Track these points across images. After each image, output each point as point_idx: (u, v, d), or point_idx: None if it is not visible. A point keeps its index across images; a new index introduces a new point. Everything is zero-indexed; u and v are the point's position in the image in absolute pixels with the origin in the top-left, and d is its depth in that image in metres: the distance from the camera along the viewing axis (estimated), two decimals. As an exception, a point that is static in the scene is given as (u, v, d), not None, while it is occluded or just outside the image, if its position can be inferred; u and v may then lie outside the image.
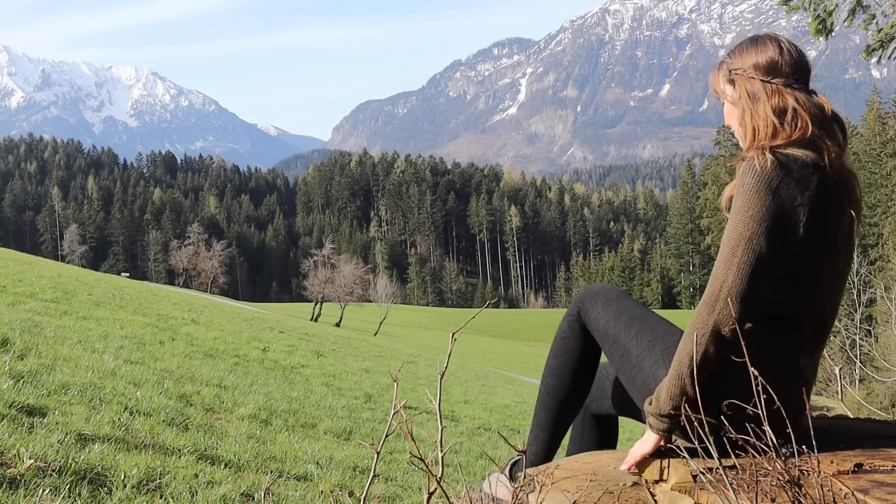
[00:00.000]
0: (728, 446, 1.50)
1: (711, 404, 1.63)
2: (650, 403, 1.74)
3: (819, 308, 1.74)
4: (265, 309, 46.88)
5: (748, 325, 1.69)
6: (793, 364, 1.72)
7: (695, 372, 1.62)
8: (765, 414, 1.33)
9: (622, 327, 1.96)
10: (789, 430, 1.34)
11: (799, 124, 1.71)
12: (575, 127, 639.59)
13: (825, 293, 1.74)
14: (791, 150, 1.69)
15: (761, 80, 1.77)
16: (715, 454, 1.38)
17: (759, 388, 1.34)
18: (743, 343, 1.51)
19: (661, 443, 1.73)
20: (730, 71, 1.85)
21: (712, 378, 1.69)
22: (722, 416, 1.55)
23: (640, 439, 1.77)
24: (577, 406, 2.17)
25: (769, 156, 1.66)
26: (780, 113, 1.73)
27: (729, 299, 1.64)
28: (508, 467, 2.20)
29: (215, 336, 11.24)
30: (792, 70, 1.76)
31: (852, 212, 1.74)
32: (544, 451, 2.16)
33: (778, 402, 1.35)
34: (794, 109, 1.72)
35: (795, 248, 1.67)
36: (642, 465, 1.77)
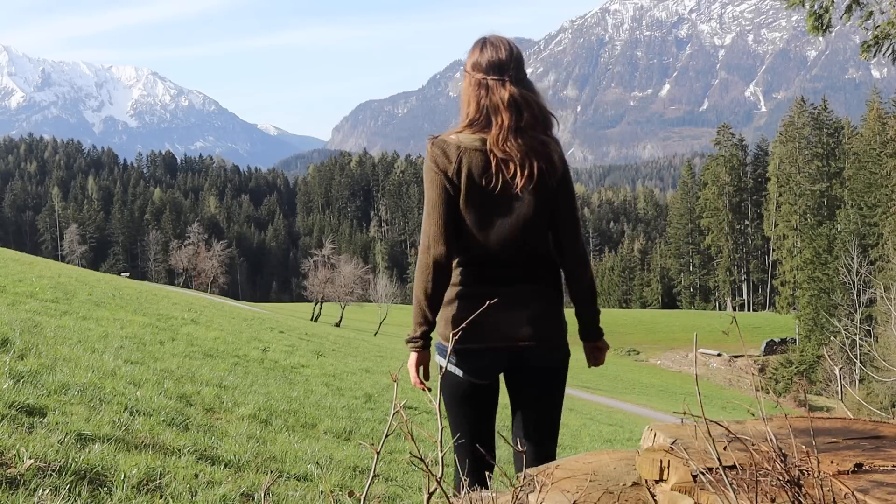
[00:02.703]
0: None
1: (441, 319, 2.29)
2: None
3: (486, 244, 2.25)
4: (265, 309, 46.86)
5: (454, 262, 2.28)
6: (463, 293, 2.28)
7: (422, 302, 2.26)
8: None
9: None
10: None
11: (472, 115, 2.25)
12: (575, 127, 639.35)
13: (490, 233, 2.24)
14: (456, 136, 2.26)
15: (469, 75, 2.30)
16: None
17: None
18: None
19: (415, 361, 2.30)
20: (463, 67, 2.38)
21: (446, 305, 2.29)
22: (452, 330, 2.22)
23: None
24: None
25: (432, 139, 2.27)
26: (467, 104, 2.29)
27: (436, 241, 2.22)
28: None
29: (215, 336, 11.24)
30: (487, 67, 2.26)
31: (517, 176, 2.21)
32: None
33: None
34: (476, 103, 2.25)
35: (458, 204, 2.23)
36: (416, 370, 2.33)
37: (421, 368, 2.33)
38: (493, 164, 2.20)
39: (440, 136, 2.27)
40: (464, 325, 1.93)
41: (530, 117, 2.24)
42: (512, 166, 2.20)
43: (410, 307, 2.36)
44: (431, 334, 2.32)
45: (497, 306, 2.13)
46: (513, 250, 2.25)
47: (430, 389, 2.29)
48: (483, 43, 2.32)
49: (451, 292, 2.28)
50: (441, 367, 2.20)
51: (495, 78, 2.25)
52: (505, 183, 2.20)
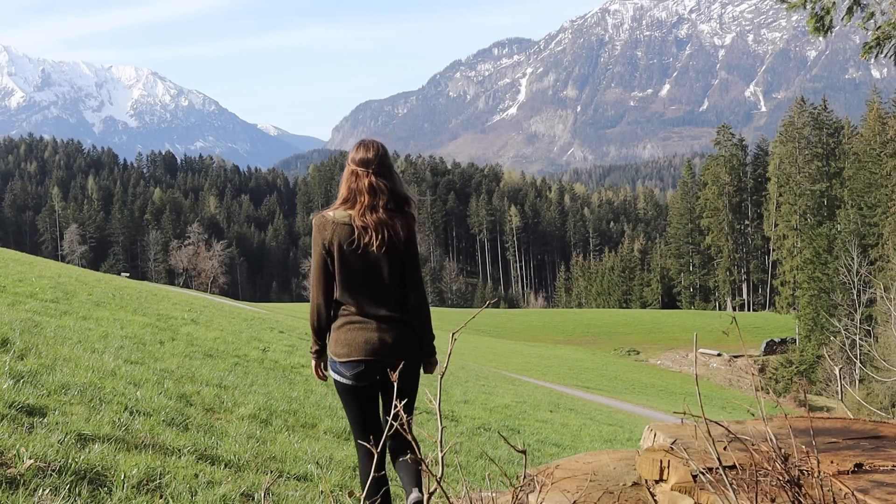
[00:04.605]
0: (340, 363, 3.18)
1: (332, 341, 3.21)
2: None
3: (358, 290, 3.14)
4: (265, 309, 46.80)
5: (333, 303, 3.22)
6: (345, 323, 3.18)
7: (312, 332, 3.27)
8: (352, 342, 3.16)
9: None
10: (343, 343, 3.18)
11: (345, 195, 3.18)
12: (575, 127, 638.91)
13: (360, 281, 3.14)
14: (333, 211, 3.17)
15: (348, 165, 3.22)
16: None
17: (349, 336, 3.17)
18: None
19: (314, 364, 3.32)
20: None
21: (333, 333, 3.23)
22: (334, 348, 3.20)
23: None
24: None
25: (316, 215, 3.19)
26: (345, 186, 3.20)
27: (318, 294, 3.19)
28: None
29: (215, 336, 11.23)
30: (358, 162, 3.19)
31: (373, 240, 3.09)
32: None
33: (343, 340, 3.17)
34: (348, 187, 3.18)
35: (334, 264, 3.13)
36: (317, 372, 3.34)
37: (321, 365, 3.33)
38: (356, 233, 3.08)
39: (321, 212, 3.19)
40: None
41: (384, 199, 3.13)
42: (369, 233, 3.08)
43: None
44: (327, 351, 3.27)
45: (370, 332, 3.13)
46: (377, 294, 3.15)
47: (325, 378, 3.36)
48: (360, 143, 3.27)
49: (338, 322, 3.19)
50: (334, 377, 3.22)
51: (362, 170, 3.17)
52: (365, 246, 3.08)
